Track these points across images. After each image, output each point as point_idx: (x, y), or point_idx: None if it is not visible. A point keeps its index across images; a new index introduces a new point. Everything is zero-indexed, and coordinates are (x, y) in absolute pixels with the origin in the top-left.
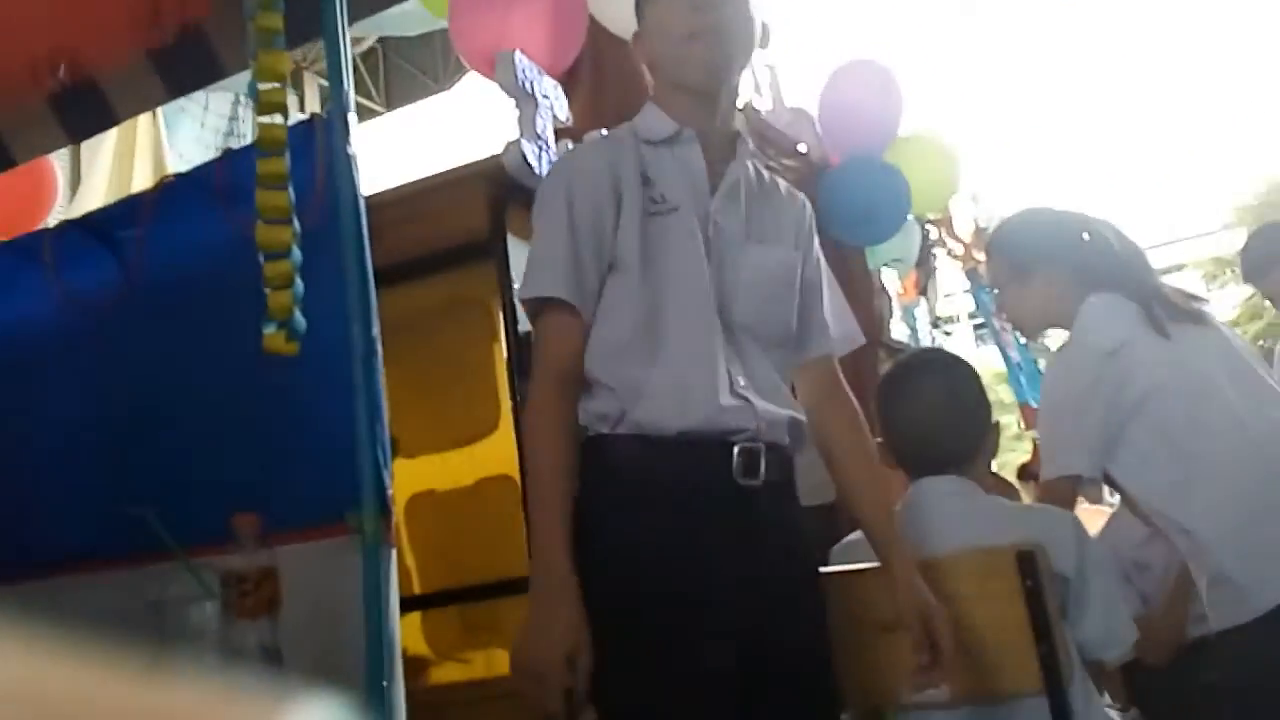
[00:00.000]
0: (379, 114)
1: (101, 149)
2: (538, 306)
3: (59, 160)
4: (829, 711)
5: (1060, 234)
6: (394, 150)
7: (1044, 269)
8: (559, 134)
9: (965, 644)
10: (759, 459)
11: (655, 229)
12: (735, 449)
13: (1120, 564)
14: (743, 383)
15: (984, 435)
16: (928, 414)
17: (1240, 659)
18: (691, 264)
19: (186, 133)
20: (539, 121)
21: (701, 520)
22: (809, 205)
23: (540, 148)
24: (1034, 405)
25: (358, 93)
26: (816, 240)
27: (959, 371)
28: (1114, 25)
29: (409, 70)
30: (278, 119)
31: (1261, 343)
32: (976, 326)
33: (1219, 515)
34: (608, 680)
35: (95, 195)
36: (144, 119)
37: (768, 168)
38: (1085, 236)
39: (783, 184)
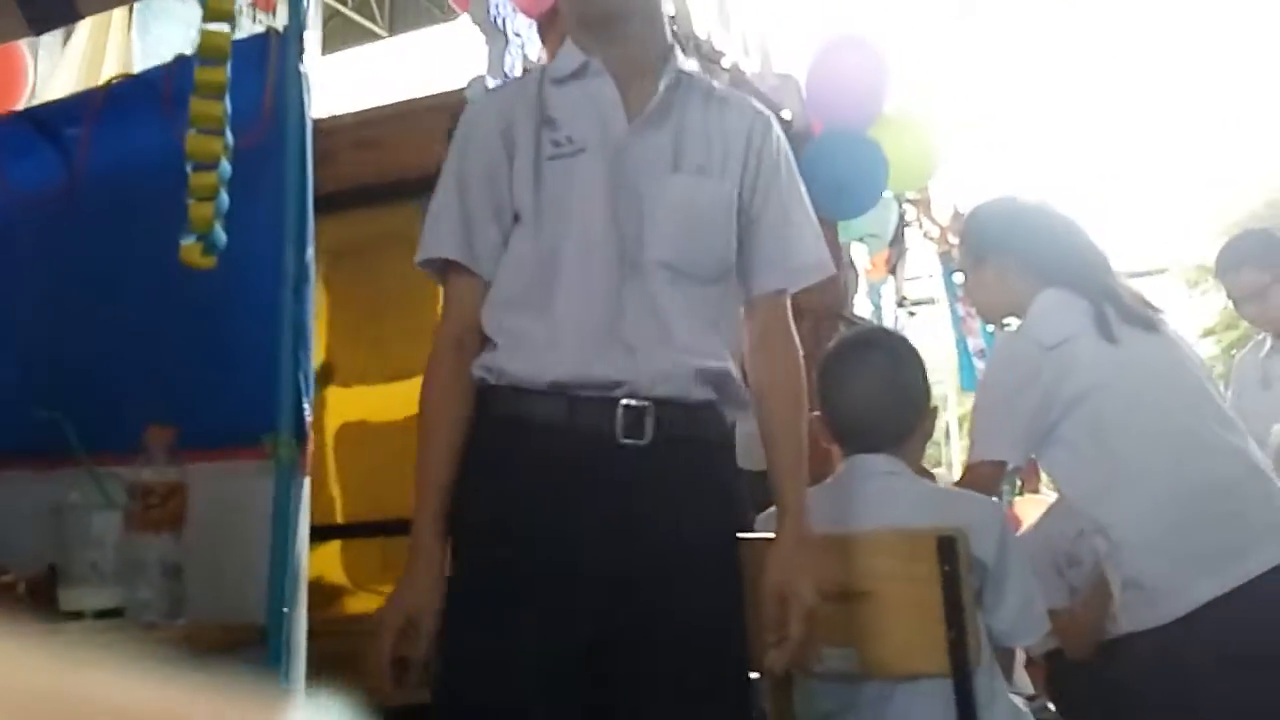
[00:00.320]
0: (380, 38)
1: (68, 52)
2: (440, 268)
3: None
4: (731, 681)
5: (1017, 225)
6: (385, 76)
7: (996, 258)
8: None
9: (878, 622)
10: (644, 416)
11: (555, 173)
12: (620, 405)
13: (1052, 556)
14: (637, 331)
15: (921, 417)
16: (867, 391)
17: (1145, 661)
18: (590, 205)
19: (169, 34)
20: (508, 59)
21: (568, 479)
22: (774, 126)
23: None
24: None
25: (361, 14)
26: (782, 164)
27: (901, 351)
28: (1121, 21)
29: None
30: (223, 27)
31: (1234, 353)
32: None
33: (1138, 520)
34: (450, 638)
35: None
36: (117, 24)
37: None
38: (1043, 229)
39: (741, 105)
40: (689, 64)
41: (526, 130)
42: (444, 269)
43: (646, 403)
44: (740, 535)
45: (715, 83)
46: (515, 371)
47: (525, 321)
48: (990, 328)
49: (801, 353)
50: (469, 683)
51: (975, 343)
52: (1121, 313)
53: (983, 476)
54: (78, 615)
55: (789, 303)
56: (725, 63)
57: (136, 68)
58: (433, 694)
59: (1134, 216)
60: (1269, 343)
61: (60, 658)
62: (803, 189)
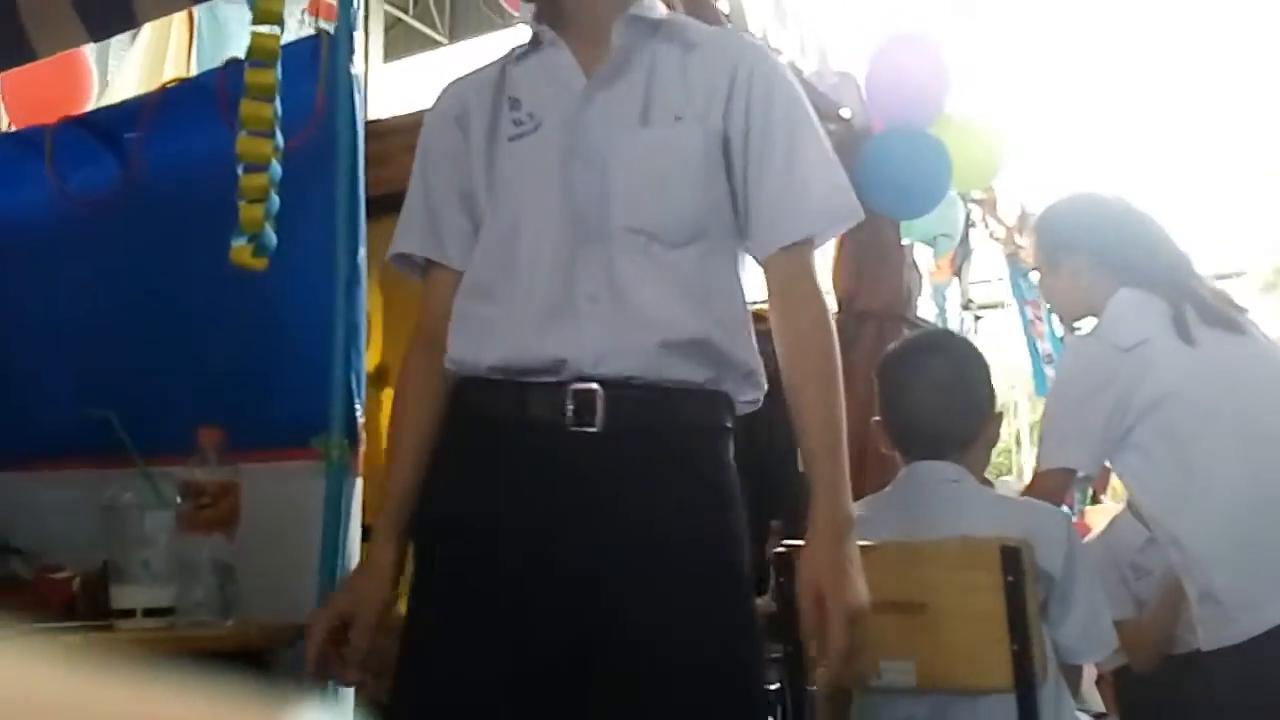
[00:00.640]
0: (441, 45)
1: (130, 53)
2: (420, 266)
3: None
4: (720, 696)
5: (1091, 222)
6: (443, 82)
7: (1070, 257)
8: None
9: (939, 634)
10: (593, 400)
11: (513, 153)
12: (570, 389)
13: (1118, 567)
14: (589, 304)
15: (985, 422)
16: (930, 396)
17: (1222, 679)
18: (544, 177)
19: (230, 37)
20: None
21: (521, 473)
22: (768, 59)
23: None
24: None
25: (422, 22)
26: (780, 97)
27: (965, 354)
28: (1194, 17)
29: (477, 4)
30: (273, 29)
31: None
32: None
33: (1213, 532)
34: (406, 641)
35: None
36: (177, 26)
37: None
38: (1118, 227)
39: (727, 40)
40: (660, 9)
41: (482, 114)
42: (424, 266)
43: (596, 385)
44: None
45: (705, 27)
46: (459, 359)
47: (476, 306)
48: (1060, 332)
49: (831, 313)
50: (428, 690)
51: (1044, 347)
52: (1202, 314)
53: (1052, 484)
54: (129, 613)
55: (810, 259)
56: (783, 60)
57: (196, 70)
58: (388, 701)
59: (1208, 217)
60: None
61: (69, 668)
62: (816, 126)
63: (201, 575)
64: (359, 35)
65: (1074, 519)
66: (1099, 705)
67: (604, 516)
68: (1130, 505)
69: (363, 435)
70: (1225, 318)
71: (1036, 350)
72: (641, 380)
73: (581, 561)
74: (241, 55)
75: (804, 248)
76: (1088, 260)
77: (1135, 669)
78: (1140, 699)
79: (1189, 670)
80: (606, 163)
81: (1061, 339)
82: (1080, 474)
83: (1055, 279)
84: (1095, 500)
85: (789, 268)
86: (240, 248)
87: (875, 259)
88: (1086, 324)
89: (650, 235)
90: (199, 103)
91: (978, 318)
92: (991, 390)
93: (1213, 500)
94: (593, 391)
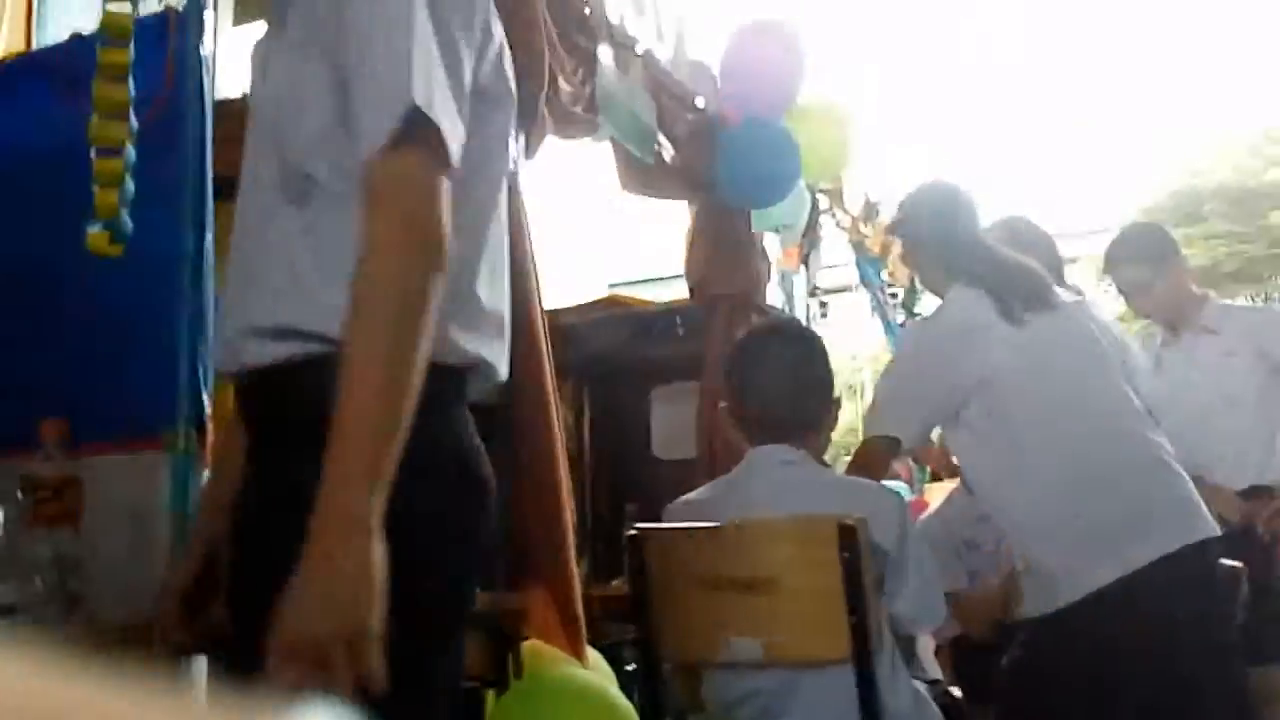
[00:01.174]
0: None
1: None
2: None
3: None
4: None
5: (929, 218)
6: None
7: (914, 248)
8: None
9: (782, 610)
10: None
11: None
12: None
13: (953, 540)
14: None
15: (825, 408)
16: (776, 383)
17: (1044, 645)
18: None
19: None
20: None
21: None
22: None
23: None
24: None
25: None
26: None
27: (809, 344)
28: (1038, 9)
29: None
30: (125, 6)
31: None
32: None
33: (1035, 505)
34: None
35: None
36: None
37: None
38: (951, 223)
39: None
40: None
41: None
42: None
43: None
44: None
45: None
46: None
47: None
48: (901, 319)
49: (400, 261)
50: None
51: (897, 319)
52: (1028, 302)
53: (875, 450)
54: None
55: (378, 183)
56: (638, 49)
57: (36, 44)
58: None
59: (1044, 207)
60: (1161, 334)
61: (56, 673)
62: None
63: (44, 571)
64: (209, 13)
65: (913, 496)
66: (938, 673)
67: (245, 525)
68: (964, 481)
69: (209, 425)
70: (1050, 303)
71: (894, 328)
72: (255, 368)
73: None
74: (85, 30)
75: (370, 157)
76: (924, 255)
77: (973, 637)
78: (975, 667)
79: (1018, 637)
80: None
81: (902, 324)
82: (904, 444)
83: (914, 262)
84: (936, 478)
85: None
86: (96, 235)
87: (729, 247)
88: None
89: (278, 190)
90: (37, 78)
91: (824, 304)
92: (831, 377)
93: (1038, 475)
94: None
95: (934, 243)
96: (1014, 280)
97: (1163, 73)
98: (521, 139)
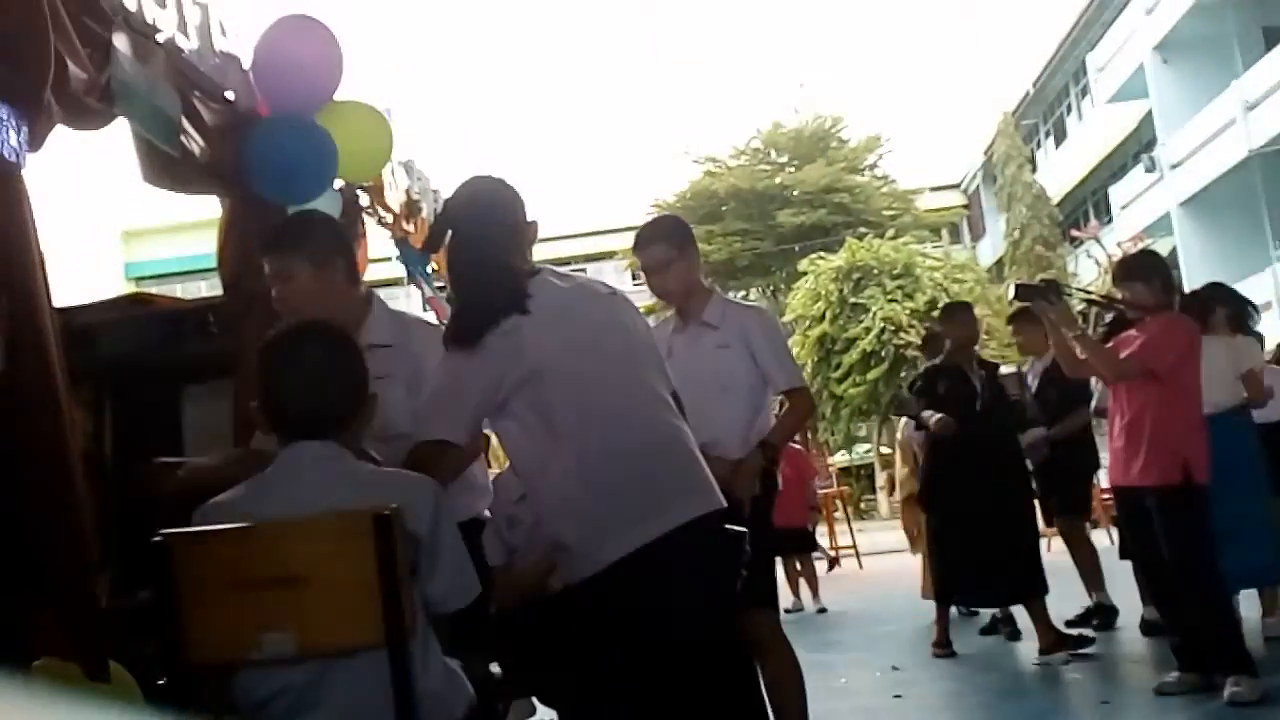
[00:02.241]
0: None
1: None
2: None
3: None
4: None
5: (453, 219)
6: None
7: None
8: None
9: (317, 603)
10: None
11: None
12: None
13: (496, 519)
14: None
15: (360, 403)
16: (307, 380)
17: (573, 615)
18: None
19: None
20: None
21: None
22: None
23: None
24: None
25: None
26: None
27: (341, 342)
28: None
29: None
30: None
31: None
32: (439, 287)
33: (562, 487)
34: None
35: None
36: None
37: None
38: (487, 222)
39: None
40: None
41: None
42: None
43: None
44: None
45: None
46: None
47: None
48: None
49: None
50: None
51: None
52: (558, 296)
53: (428, 455)
54: None
55: None
56: (160, 38)
57: None
58: None
59: (577, 204)
60: (674, 322)
61: None
62: None
63: None
64: None
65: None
66: None
67: None
68: (511, 464)
69: None
70: (584, 297)
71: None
72: None
73: None
74: None
75: None
76: (464, 251)
77: (497, 607)
78: (516, 640)
79: (552, 609)
80: None
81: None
82: (455, 444)
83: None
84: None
85: None
86: None
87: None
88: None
89: None
90: None
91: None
92: (365, 373)
93: (569, 462)
94: None
95: (471, 233)
96: (548, 279)
97: (687, 76)
98: (24, 129)
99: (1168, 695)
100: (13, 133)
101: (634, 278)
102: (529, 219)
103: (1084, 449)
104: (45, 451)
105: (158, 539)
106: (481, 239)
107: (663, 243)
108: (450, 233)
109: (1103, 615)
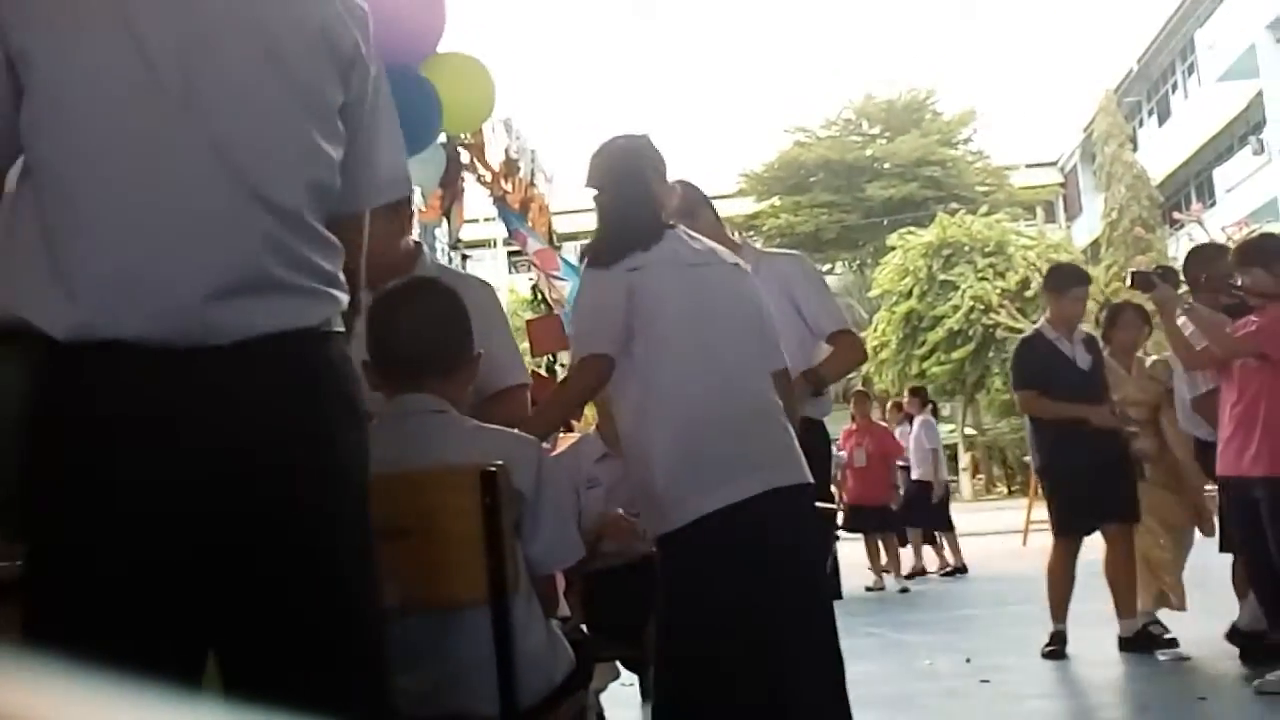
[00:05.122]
0: None
1: None
2: None
3: None
4: None
5: (605, 173)
6: None
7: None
8: None
9: (424, 557)
10: None
11: None
12: None
13: (575, 479)
14: None
15: (465, 357)
16: (413, 333)
17: (662, 564)
18: None
19: None
20: None
21: None
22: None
23: None
24: None
25: None
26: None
27: (449, 298)
28: None
29: None
30: None
31: None
32: (511, 253)
33: (659, 437)
34: None
35: None
36: None
37: None
38: (636, 181)
39: None
40: None
41: None
42: None
43: None
44: None
45: None
46: None
47: None
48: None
49: None
50: None
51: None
52: (687, 254)
53: (591, 367)
54: None
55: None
56: None
57: None
58: None
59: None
60: None
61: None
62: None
63: None
64: None
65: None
66: (568, 611)
67: None
68: (597, 426)
69: None
70: (706, 257)
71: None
72: None
73: None
74: None
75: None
76: (615, 200)
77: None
78: (605, 603)
79: (642, 572)
80: None
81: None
82: (610, 356)
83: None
84: (569, 428)
85: None
86: None
87: None
88: None
89: None
90: None
91: (466, 256)
92: (469, 328)
93: (667, 412)
94: None
95: (620, 190)
96: (681, 236)
97: (775, 44)
98: None
99: (1269, 695)
100: None
101: None
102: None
103: None
104: None
105: None
106: (639, 176)
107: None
108: (608, 167)
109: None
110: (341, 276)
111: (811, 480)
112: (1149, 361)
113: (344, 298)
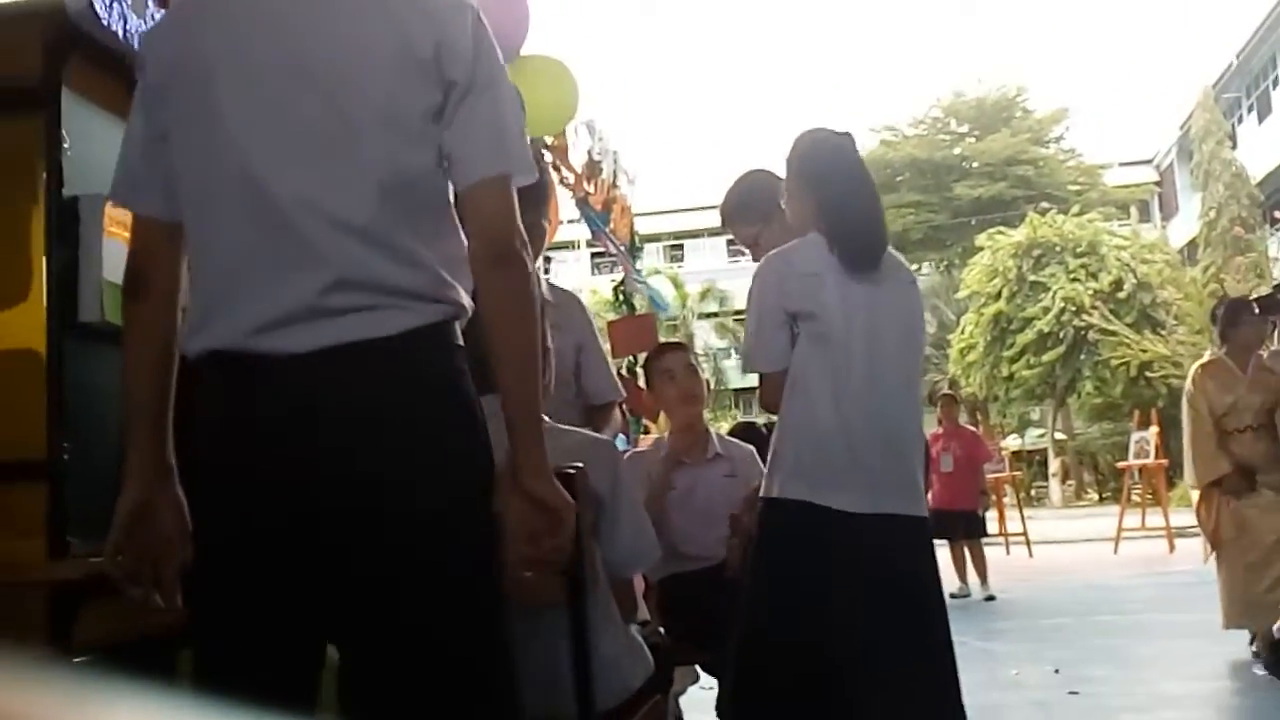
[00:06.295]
0: None
1: None
2: None
3: None
4: None
5: (809, 167)
6: None
7: (801, 190)
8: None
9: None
10: None
11: None
12: None
13: (646, 484)
14: None
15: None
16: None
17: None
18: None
19: None
20: None
21: None
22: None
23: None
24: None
25: None
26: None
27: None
28: None
29: None
30: None
31: None
32: (594, 255)
33: (825, 419)
34: None
35: None
36: None
37: None
38: (842, 183)
39: None
40: None
41: None
42: None
43: None
44: None
45: None
46: None
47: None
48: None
49: None
50: None
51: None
52: (864, 264)
53: (771, 387)
54: None
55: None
56: None
57: None
58: None
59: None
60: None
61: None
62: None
63: None
64: None
65: (626, 448)
66: (647, 614)
67: None
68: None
69: None
70: (881, 271)
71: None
72: None
73: None
74: None
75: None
76: (814, 199)
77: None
78: (683, 607)
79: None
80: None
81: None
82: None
83: (789, 198)
84: (646, 431)
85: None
86: None
87: None
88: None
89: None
90: None
91: (548, 258)
92: (543, 325)
93: (841, 402)
94: None
95: (824, 189)
96: (866, 246)
97: (863, 43)
98: None
99: None
100: None
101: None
102: None
103: None
104: None
105: None
106: (861, 189)
107: (739, 225)
108: (818, 173)
109: None
110: (444, 276)
111: (926, 516)
112: (1266, 354)
113: (438, 306)
